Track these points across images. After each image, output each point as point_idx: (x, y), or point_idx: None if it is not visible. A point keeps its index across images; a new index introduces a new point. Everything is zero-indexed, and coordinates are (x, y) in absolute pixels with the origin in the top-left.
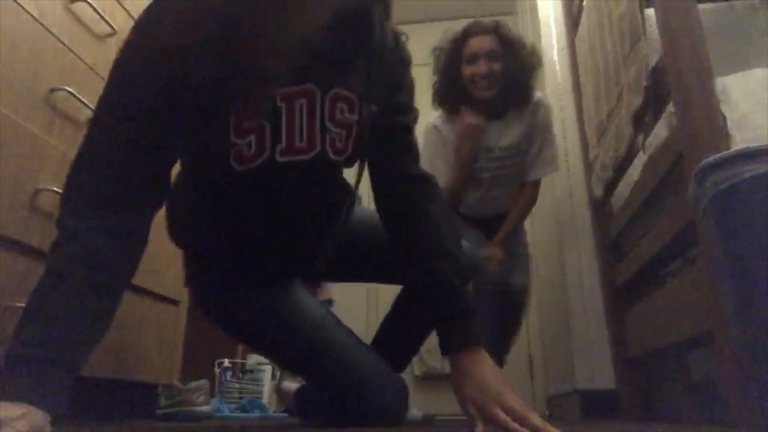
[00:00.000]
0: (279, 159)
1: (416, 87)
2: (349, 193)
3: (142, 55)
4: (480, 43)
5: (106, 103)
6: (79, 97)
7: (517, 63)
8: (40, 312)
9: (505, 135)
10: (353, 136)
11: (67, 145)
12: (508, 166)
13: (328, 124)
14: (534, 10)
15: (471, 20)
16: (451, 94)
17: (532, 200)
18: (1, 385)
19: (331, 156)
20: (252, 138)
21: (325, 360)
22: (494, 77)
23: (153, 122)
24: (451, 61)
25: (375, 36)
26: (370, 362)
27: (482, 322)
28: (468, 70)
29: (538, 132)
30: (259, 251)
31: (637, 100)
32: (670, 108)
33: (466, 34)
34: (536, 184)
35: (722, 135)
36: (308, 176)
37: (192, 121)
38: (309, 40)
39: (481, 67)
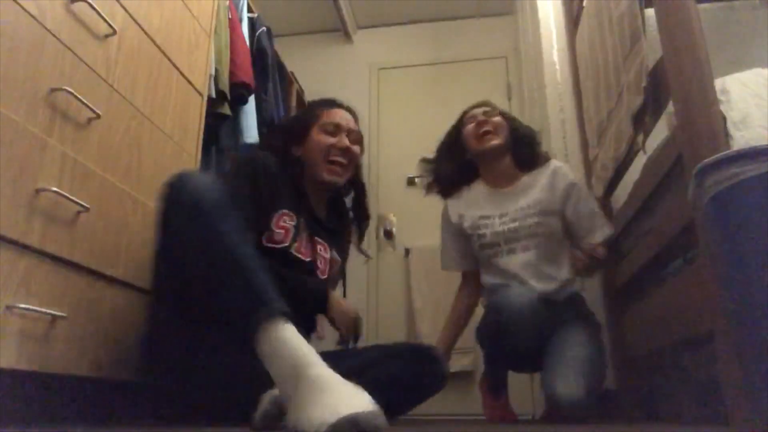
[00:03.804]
0: (293, 252)
1: (411, 86)
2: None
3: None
4: (475, 109)
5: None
6: (79, 97)
7: (519, 123)
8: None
9: (521, 197)
10: (328, 266)
11: (67, 145)
12: (531, 226)
13: (319, 250)
14: (534, 10)
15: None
16: (459, 170)
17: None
18: None
19: (318, 274)
20: (282, 232)
21: None
22: (496, 126)
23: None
24: (454, 138)
25: (345, 218)
26: None
27: None
28: (469, 129)
29: (564, 188)
30: None
31: (637, 100)
32: (670, 108)
33: (460, 117)
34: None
35: (722, 135)
36: (306, 270)
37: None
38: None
39: (479, 118)
